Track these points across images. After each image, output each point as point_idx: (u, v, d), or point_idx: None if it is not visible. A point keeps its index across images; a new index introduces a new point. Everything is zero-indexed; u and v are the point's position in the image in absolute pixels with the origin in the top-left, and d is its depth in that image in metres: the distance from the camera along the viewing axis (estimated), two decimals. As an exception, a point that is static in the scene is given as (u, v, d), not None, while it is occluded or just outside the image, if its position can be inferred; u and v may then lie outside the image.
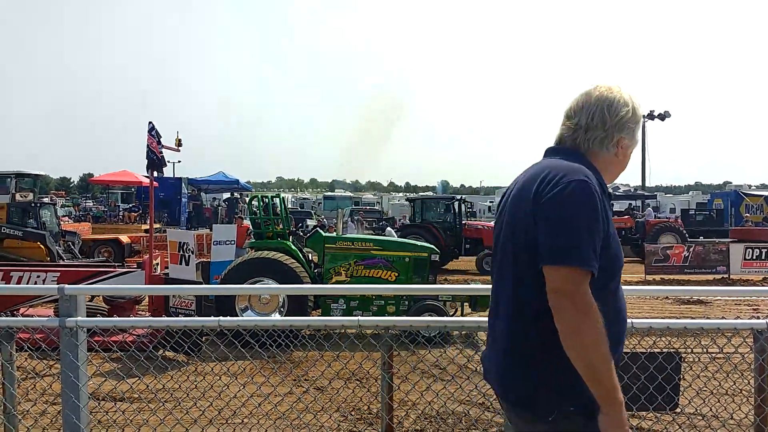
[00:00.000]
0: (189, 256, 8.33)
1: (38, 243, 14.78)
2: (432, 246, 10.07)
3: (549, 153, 2.07)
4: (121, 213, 27.33)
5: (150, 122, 9.09)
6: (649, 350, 3.47)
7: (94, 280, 8.06)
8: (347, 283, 8.81)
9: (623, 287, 2.08)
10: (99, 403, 5.25)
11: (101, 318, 7.30)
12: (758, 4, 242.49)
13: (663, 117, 37.61)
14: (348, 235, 10.40)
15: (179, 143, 10.13)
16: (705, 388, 4.23)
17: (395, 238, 12.50)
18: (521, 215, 1.90)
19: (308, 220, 29.24)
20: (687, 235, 22.62)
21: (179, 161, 37.79)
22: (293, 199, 48.54)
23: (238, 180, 31.94)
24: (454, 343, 8.15)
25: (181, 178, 29.99)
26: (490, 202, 53.48)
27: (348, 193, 50.09)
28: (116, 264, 11.78)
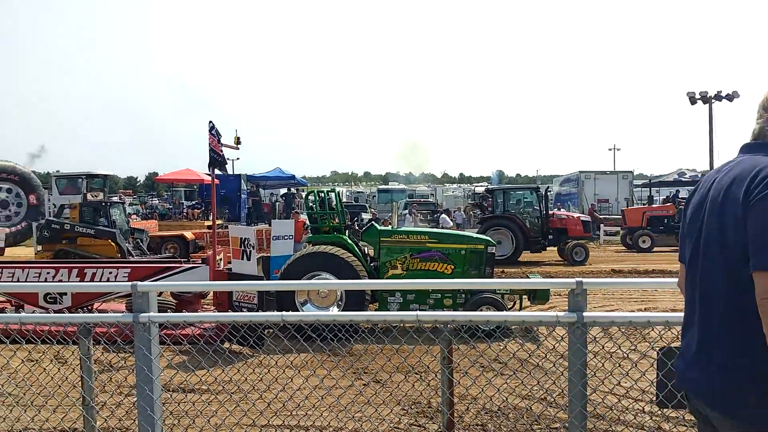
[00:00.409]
0: (250, 251, 8.55)
1: (109, 240, 15.50)
2: (488, 238, 9.96)
3: (750, 149, 1.96)
4: (184, 210, 28.27)
5: (210, 122, 9.38)
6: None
7: (163, 275, 8.40)
8: (403, 277, 8.83)
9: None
10: (171, 395, 5.49)
11: (172, 313, 7.62)
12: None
13: (731, 98, 35.67)
14: (403, 229, 10.40)
15: (238, 141, 10.41)
16: None
17: (451, 231, 12.43)
18: (730, 217, 1.81)
19: (363, 213, 29.46)
20: None
21: (238, 158, 38.78)
22: (348, 193, 48.98)
23: (294, 175, 32.53)
24: (514, 337, 8.05)
25: (240, 175, 30.80)
26: (548, 191, 52.25)
27: (402, 186, 50.04)
28: (182, 259, 12.24)
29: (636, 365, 3.70)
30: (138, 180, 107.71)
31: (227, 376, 5.66)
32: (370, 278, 8.68)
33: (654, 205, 25.11)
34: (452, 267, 8.90)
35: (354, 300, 8.37)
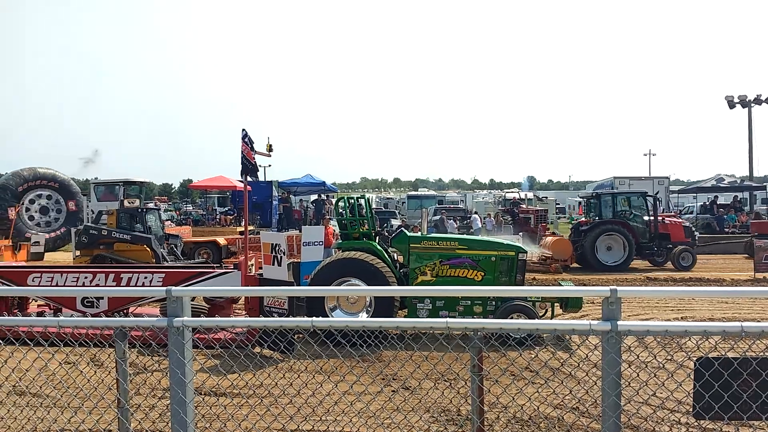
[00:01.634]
0: (281, 257, 8.64)
1: (145, 246, 15.85)
2: (519, 245, 9.86)
3: None
4: (218, 216, 28.71)
5: (243, 130, 9.52)
6: (761, 355, 3.24)
7: (196, 280, 8.54)
8: (433, 283, 8.80)
9: (729, 288, 1.90)
10: (203, 398, 5.57)
11: (205, 318, 7.74)
12: None
13: (771, 101, 34.71)
14: (433, 235, 10.38)
15: (270, 148, 10.54)
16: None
17: (482, 237, 12.34)
18: None
19: (392, 219, 29.49)
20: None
21: (270, 165, 39.35)
22: (377, 199, 49.11)
23: (324, 182, 32.70)
24: (546, 346, 7.93)
25: (271, 181, 31.15)
26: (580, 197, 51.58)
27: (432, 192, 49.95)
28: (215, 265, 12.44)
29: (672, 375, 3.61)
30: (173, 187, 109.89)
31: (258, 381, 5.71)
32: (399, 285, 8.67)
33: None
34: (482, 274, 8.84)
35: (383, 306, 8.37)
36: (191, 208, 47.43)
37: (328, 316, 8.20)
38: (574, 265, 18.35)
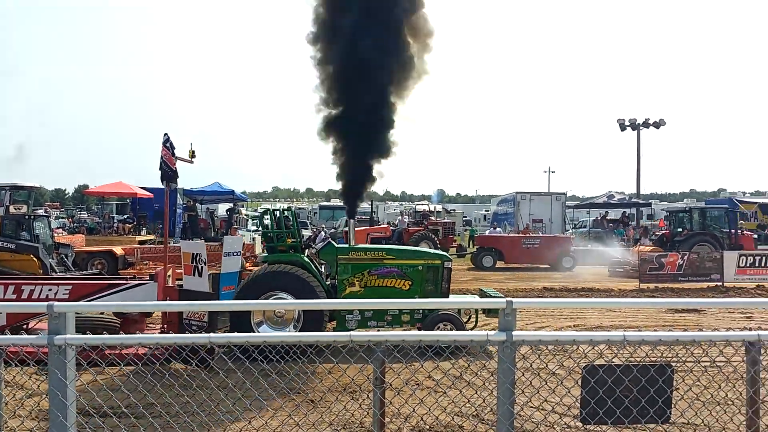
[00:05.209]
0: (202, 267, 8.24)
1: (31, 255, 14.68)
2: (445, 253, 10.05)
3: None
4: (115, 224, 27.16)
5: (165, 134, 9.01)
6: (641, 362, 3.47)
7: (108, 292, 7.96)
8: (362, 294, 8.69)
9: (613, 299, 2.01)
10: (88, 419, 5.19)
11: (90, 335, 7.20)
12: (753, 10, 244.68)
13: (657, 125, 37.82)
14: (361, 246, 10.30)
15: (192, 155, 10.01)
16: (697, 399, 4.23)
17: (409, 247, 12.42)
18: None
19: (304, 230, 29.13)
20: (438, 241, 24.00)
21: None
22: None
23: (233, 190, 31.83)
24: (447, 355, 8.10)
25: (176, 189, 29.88)
26: (486, 210, 53.58)
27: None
28: (110, 276, 11.72)
29: (562, 382, 3.79)
30: (66, 192, 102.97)
31: (151, 400, 5.41)
32: (328, 297, 8.49)
33: (374, 227, 26.40)
34: (410, 283, 8.83)
35: (312, 319, 8.17)
36: (86, 215, 44.64)
37: (254, 332, 7.86)
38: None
